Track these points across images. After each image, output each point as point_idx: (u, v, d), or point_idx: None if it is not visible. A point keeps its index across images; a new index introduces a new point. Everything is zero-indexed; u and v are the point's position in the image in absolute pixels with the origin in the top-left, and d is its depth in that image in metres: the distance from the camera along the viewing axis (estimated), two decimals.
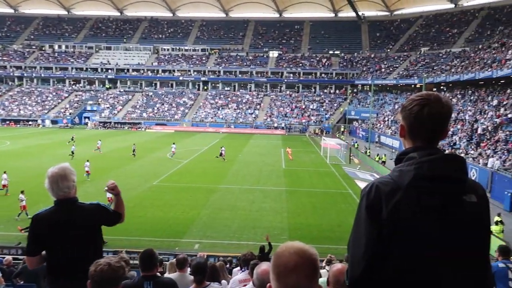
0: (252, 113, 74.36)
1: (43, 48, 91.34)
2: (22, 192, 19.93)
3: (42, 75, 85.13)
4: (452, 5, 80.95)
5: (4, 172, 25.19)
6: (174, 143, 41.57)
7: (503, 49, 45.03)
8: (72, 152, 36.79)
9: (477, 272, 1.82)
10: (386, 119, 58.09)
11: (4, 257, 10.71)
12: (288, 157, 40.66)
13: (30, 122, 71.06)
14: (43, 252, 3.35)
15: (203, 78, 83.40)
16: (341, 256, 10.73)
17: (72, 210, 3.31)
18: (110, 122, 71.70)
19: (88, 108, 76.90)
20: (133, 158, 37.67)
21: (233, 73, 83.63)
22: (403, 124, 1.97)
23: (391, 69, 72.72)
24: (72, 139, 45.12)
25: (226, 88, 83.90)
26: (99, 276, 2.48)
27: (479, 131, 34.69)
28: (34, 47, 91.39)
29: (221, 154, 38.26)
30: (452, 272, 1.77)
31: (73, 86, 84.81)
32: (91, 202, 3.48)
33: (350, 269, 1.89)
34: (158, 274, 4.12)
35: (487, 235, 1.88)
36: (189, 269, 5.55)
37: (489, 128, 34.08)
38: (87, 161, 29.25)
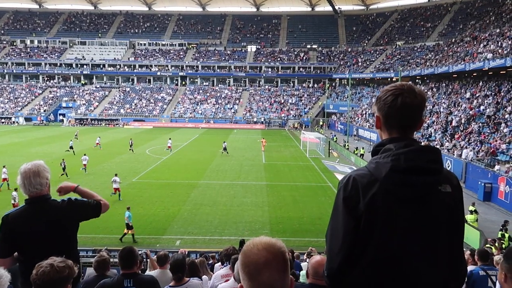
0: (231, 108, 74.17)
1: (15, 44, 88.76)
2: (15, 189, 19.41)
3: (14, 71, 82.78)
4: None
5: (4, 167, 25.56)
6: (170, 138, 41.82)
7: (475, 42, 46.13)
8: (71, 147, 37.61)
9: (453, 260, 1.87)
10: (364, 112, 58.81)
11: None
12: (262, 146, 41.53)
13: (3, 120, 69.07)
14: (15, 254, 3.21)
15: (181, 73, 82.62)
16: (323, 248, 10.86)
17: (45, 208, 3.19)
18: (87, 119, 70.35)
19: (64, 104, 75.20)
20: (119, 153, 37.05)
21: (212, 68, 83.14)
22: (378, 115, 1.98)
23: (368, 63, 73.59)
24: (76, 137, 43.83)
25: (204, 83, 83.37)
26: (41, 279, 2.29)
27: (454, 123, 35.53)
28: (4, 42, 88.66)
29: (225, 149, 38.82)
30: (428, 261, 1.81)
31: (47, 82, 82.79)
32: (63, 199, 3.35)
33: (328, 261, 1.91)
34: (139, 272, 4.07)
35: (461, 224, 1.93)
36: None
37: (463, 120, 34.93)
38: (85, 154, 29.99)
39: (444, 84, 48.07)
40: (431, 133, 36.77)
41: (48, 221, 3.15)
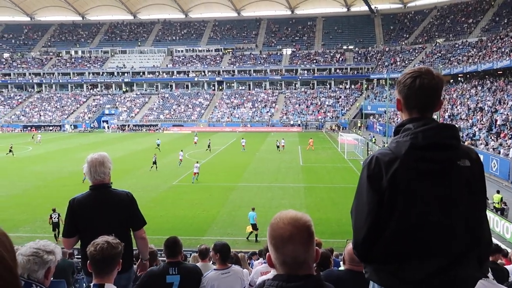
0: (267, 111, 74.42)
1: (60, 55, 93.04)
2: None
3: (60, 81, 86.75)
4: None
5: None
6: (181, 150, 40.63)
7: None
8: (158, 145, 43.71)
9: (474, 230, 1.95)
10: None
11: None
12: (309, 146, 42.91)
13: (51, 128, 72.53)
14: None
15: (217, 78, 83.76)
16: None
17: (106, 194, 3.56)
18: (128, 125, 72.66)
19: (106, 112, 78.10)
20: (177, 165, 38.07)
21: (247, 72, 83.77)
22: (399, 97, 2.10)
23: (406, 62, 71.80)
24: (158, 147, 45.11)
25: (241, 87, 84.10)
26: (100, 254, 2.53)
27: (499, 121, 34.06)
28: (51, 53, 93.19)
29: (208, 146, 41.51)
30: (448, 230, 1.90)
31: (91, 91, 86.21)
32: (124, 190, 3.70)
33: (354, 235, 2.04)
34: (182, 261, 4.29)
35: (481, 196, 2.03)
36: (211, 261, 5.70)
37: (510, 118, 33.43)
38: (181, 150, 35.71)
39: (489, 82, 46.17)
40: (475, 132, 35.42)
41: (108, 206, 3.50)
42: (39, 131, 69.14)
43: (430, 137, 1.92)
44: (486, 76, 47.56)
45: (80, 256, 3.68)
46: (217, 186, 27.49)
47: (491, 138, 32.49)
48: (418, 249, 1.90)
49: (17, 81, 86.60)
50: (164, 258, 4.36)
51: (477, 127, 36.26)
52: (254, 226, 17.52)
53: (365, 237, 1.96)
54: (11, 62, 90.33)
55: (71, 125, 72.61)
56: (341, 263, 4.30)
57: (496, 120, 34.75)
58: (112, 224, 3.46)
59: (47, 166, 35.08)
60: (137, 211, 3.78)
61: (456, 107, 45.42)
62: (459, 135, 2.02)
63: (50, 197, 21.79)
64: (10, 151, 40.39)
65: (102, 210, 3.51)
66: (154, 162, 32.58)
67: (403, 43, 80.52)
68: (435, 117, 2.11)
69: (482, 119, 37.09)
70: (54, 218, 17.68)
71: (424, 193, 1.89)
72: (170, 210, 21.92)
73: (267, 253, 1.72)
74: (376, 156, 2.00)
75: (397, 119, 56.84)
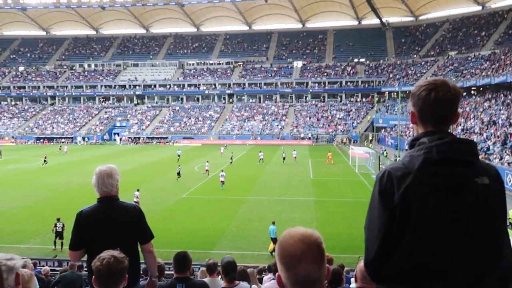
0: (278, 124, 74.48)
1: (74, 68, 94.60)
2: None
3: (73, 93, 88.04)
4: (480, 7, 79.30)
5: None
6: (208, 161, 39.40)
7: None
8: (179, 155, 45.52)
9: (493, 251, 1.85)
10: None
11: (41, 268, 11.12)
12: (328, 159, 43.04)
13: (63, 140, 73.42)
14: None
15: (228, 91, 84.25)
16: None
17: (113, 207, 3.55)
18: (139, 137, 73.20)
19: (118, 124, 78.89)
20: (173, 176, 38.18)
21: (258, 85, 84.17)
22: (413, 110, 2.05)
23: (418, 75, 71.55)
24: (178, 158, 46.05)
25: (251, 100, 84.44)
26: (107, 269, 2.49)
27: None
28: (65, 67, 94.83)
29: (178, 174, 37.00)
30: (463, 249, 1.82)
31: (103, 103, 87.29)
32: (131, 202, 3.69)
33: (365, 252, 1.98)
34: (191, 277, 4.25)
35: (501, 216, 1.92)
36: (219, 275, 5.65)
37: None
38: (207, 161, 36.87)
39: (502, 95, 45.71)
40: (489, 146, 34.96)
41: (116, 219, 3.49)
42: (58, 143, 70.04)
43: (444, 152, 1.86)
44: (500, 89, 47.11)
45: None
46: (227, 199, 27.43)
47: (505, 152, 32.02)
48: (429, 271, 1.83)
49: (31, 93, 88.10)
50: (172, 272, 4.32)
51: (491, 141, 35.80)
52: (275, 241, 17.33)
53: (376, 255, 1.92)
54: (26, 75, 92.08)
55: (84, 138, 73.38)
56: (353, 280, 4.22)
57: (510, 134, 34.28)
58: (119, 238, 3.44)
59: (58, 178, 35.42)
60: (145, 224, 3.75)
61: (469, 120, 44.97)
62: (477, 150, 1.94)
63: (60, 209, 21.92)
64: (45, 161, 42.62)
65: (109, 223, 3.50)
66: (178, 173, 33.90)
67: (415, 56, 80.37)
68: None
69: (496, 133, 36.61)
70: (58, 228, 18.11)
71: (437, 211, 1.84)
72: (179, 223, 21.88)
73: (277, 273, 1.67)
74: (388, 171, 1.96)
75: (409, 133, 56.44)
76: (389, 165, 2.02)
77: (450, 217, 1.83)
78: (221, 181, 30.34)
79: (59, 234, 18.05)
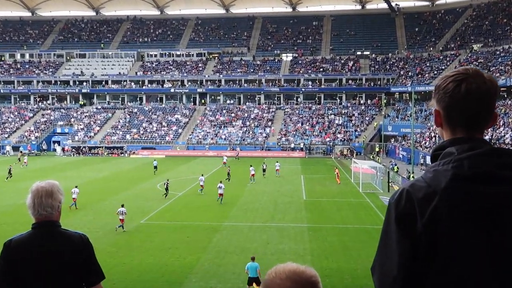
0: (262, 132, 74.62)
1: (3, 58, 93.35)
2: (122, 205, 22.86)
3: (1, 90, 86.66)
4: None
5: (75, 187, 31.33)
6: (202, 175, 39.52)
7: None
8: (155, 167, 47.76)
9: None
10: (433, 134, 57.80)
11: None
12: (336, 180, 42.73)
13: None
14: None
15: (199, 90, 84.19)
16: None
17: (53, 236, 3.38)
18: (85, 147, 72.29)
19: (58, 130, 77.86)
20: (139, 195, 37.79)
21: (237, 82, 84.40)
22: (438, 108, 1.97)
23: (435, 72, 72.83)
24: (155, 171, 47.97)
25: (229, 101, 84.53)
26: None
27: None
28: None
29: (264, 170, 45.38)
30: None
31: (40, 104, 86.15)
32: (77, 232, 3.52)
33: None
34: None
35: None
36: None
37: None
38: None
39: None
40: None
41: (56, 252, 3.30)
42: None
43: (479, 166, 1.78)
44: None
45: None
46: (197, 225, 27.19)
47: None
48: None
49: None
50: None
51: None
52: (258, 281, 17.12)
53: None
54: None
55: (19, 147, 71.91)
56: None
57: None
58: (60, 277, 3.31)
59: None
60: (94, 260, 3.59)
61: (499, 128, 45.83)
62: None
63: None
64: (10, 174, 44.21)
65: (48, 257, 3.32)
66: (166, 189, 35.15)
67: (431, 49, 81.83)
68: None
69: None
70: None
71: (473, 243, 1.75)
72: (136, 256, 21.55)
73: None
74: (407, 190, 1.86)
75: (425, 143, 57.20)
76: (407, 183, 1.93)
77: (488, 251, 1.75)
78: (219, 194, 32.99)
79: None
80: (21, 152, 65.61)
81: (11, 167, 45.89)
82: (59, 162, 61.20)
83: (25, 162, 55.10)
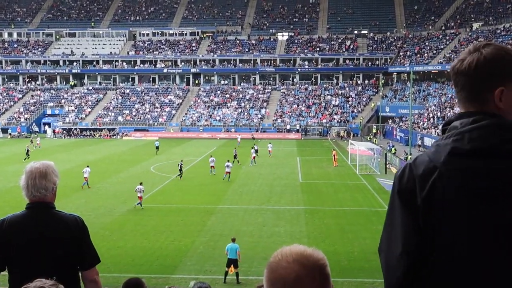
0: (257, 113, 74.54)
1: None
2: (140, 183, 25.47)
3: None
4: None
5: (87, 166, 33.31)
6: (212, 156, 40.15)
7: None
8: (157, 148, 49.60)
9: None
10: (431, 115, 57.91)
11: None
12: (335, 162, 42.41)
13: None
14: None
15: (193, 70, 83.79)
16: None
17: (47, 218, 3.38)
18: (76, 129, 72.05)
19: (49, 111, 77.50)
20: (137, 177, 37.77)
21: (232, 62, 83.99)
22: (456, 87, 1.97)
23: (434, 51, 72.70)
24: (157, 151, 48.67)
25: (223, 82, 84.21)
26: None
27: None
28: None
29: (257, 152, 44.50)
30: (503, 274, 1.72)
31: (29, 85, 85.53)
32: (72, 214, 3.52)
33: (386, 275, 1.89)
34: None
35: None
36: None
37: None
38: (211, 156, 37.41)
39: None
40: None
41: (48, 234, 3.30)
42: None
43: (478, 139, 1.75)
44: None
45: None
46: (191, 208, 27.27)
47: None
48: None
49: None
50: None
51: None
52: (235, 263, 17.27)
53: (403, 277, 1.81)
54: None
55: (7, 129, 71.65)
56: None
57: None
58: (53, 260, 3.29)
59: None
60: (89, 243, 3.59)
61: None
62: None
63: None
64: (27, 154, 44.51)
65: (42, 239, 3.32)
66: (180, 170, 35.88)
67: (430, 27, 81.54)
68: None
69: None
70: None
71: (471, 221, 1.73)
72: (130, 239, 21.65)
73: None
74: (409, 165, 1.88)
75: (423, 124, 57.32)
76: (412, 158, 1.94)
77: (488, 230, 1.72)
78: (226, 172, 34.74)
79: None
80: (35, 133, 66.26)
81: (28, 147, 46.22)
82: (49, 144, 60.96)
83: (38, 144, 54.94)
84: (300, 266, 1.52)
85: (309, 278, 1.51)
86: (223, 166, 35.60)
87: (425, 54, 73.48)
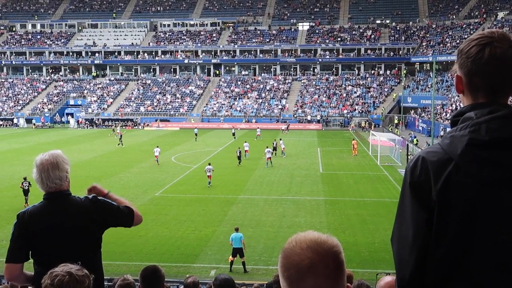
0: (278, 104, 74.40)
1: (14, 29, 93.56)
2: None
3: (13, 62, 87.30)
4: None
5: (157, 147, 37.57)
6: (246, 141, 43.28)
7: None
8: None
9: None
10: (454, 106, 57.15)
11: None
12: (354, 151, 42.92)
13: (0, 122, 72.79)
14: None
15: (214, 60, 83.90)
16: None
17: (65, 205, 3.42)
18: (98, 119, 72.81)
19: (71, 102, 78.44)
20: (147, 164, 38.14)
21: (253, 52, 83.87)
22: (459, 74, 1.91)
23: (458, 41, 71.49)
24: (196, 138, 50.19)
25: (244, 72, 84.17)
26: None
27: None
28: (2, 27, 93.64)
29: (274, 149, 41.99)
30: None
31: (52, 75, 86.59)
32: (87, 196, 3.56)
33: (397, 269, 1.88)
34: None
35: None
36: None
37: None
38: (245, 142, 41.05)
39: None
40: None
41: (69, 221, 3.35)
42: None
43: (498, 130, 1.72)
44: None
45: None
46: (212, 198, 27.46)
47: None
48: None
49: None
50: None
51: None
52: (241, 252, 17.38)
53: (414, 271, 1.80)
54: None
55: (31, 120, 72.78)
56: None
57: None
58: (76, 246, 3.36)
59: None
60: (112, 207, 3.58)
61: None
62: None
63: None
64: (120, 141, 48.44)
65: (63, 227, 3.37)
66: (239, 157, 37.67)
67: (454, 16, 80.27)
68: None
69: None
70: (25, 186, 24.00)
71: (489, 214, 1.70)
72: (152, 229, 21.81)
73: None
74: (422, 157, 1.84)
75: (446, 115, 56.59)
76: (423, 150, 1.90)
77: (508, 225, 1.69)
78: (268, 158, 36.81)
79: (26, 192, 23.93)
80: (120, 125, 66.82)
81: (120, 134, 50.14)
82: (72, 134, 61.77)
83: (118, 133, 54.21)
84: (313, 253, 1.52)
85: (323, 265, 1.51)
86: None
87: (448, 44, 72.37)
